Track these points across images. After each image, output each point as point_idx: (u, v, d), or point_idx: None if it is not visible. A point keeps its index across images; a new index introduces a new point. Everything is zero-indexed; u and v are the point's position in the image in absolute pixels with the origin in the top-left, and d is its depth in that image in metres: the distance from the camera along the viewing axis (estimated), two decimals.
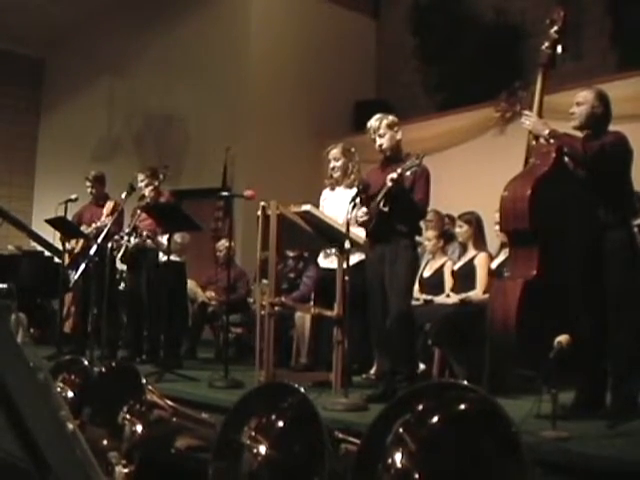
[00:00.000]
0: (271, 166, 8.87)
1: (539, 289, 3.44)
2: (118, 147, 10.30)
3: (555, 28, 3.81)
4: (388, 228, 4.23)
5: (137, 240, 6.01)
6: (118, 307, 6.59)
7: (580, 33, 7.82)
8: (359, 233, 4.55)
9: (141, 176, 6.19)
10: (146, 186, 6.14)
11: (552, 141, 3.63)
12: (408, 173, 4.12)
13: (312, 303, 5.71)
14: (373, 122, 4.44)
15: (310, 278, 6.37)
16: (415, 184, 4.26)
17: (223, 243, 7.19)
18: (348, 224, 3.97)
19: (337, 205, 5.05)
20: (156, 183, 6.06)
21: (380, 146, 4.41)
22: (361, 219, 4.28)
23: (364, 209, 4.25)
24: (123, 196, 6.05)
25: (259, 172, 8.66)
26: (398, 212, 4.19)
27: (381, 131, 4.36)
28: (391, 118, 4.45)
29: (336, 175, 5.20)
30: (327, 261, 5.24)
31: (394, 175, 4.08)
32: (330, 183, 5.31)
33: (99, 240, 5.48)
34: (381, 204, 4.16)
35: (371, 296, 4.42)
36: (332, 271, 4.84)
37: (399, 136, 4.42)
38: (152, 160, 8.35)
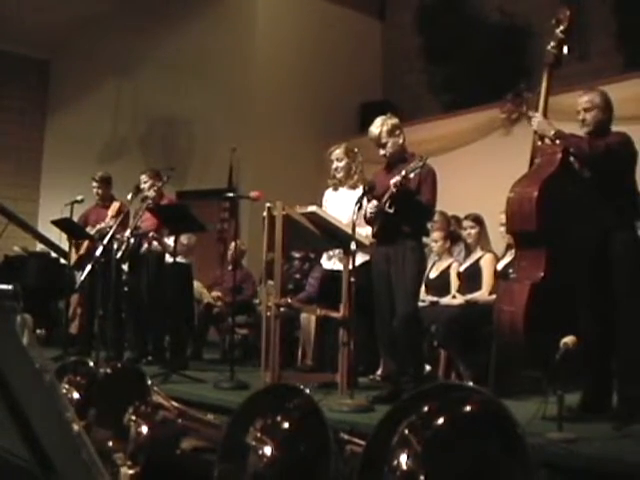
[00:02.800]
0: (277, 167, 8.88)
1: (546, 291, 3.44)
2: (124, 149, 10.32)
3: (561, 28, 3.79)
4: (394, 229, 4.23)
5: (139, 240, 6.06)
6: (124, 308, 6.60)
7: (586, 34, 7.79)
8: (364, 234, 4.56)
9: (144, 177, 6.21)
10: (149, 188, 6.14)
11: (558, 142, 3.63)
12: (412, 175, 4.12)
13: (318, 304, 5.57)
14: (373, 130, 4.40)
15: (316, 279, 6.38)
16: (422, 185, 4.24)
17: (232, 244, 7.09)
18: (354, 225, 3.97)
19: (340, 206, 5.04)
20: (159, 184, 6.04)
21: (384, 155, 4.42)
22: (370, 213, 4.28)
23: (374, 202, 4.25)
24: (129, 197, 6.10)
25: (265, 173, 8.67)
26: (404, 213, 4.18)
27: (383, 140, 4.34)
28: (391, 123, 4.39)
29: (339, 175, 5.18)
30: (330, 262, 5.23)
31: (397, 179, 4.08)
32: (333, 184, 5.29)
33: (105, 241, 5.49)
34: (386, 206, 4.16)
35: (377, 297, 4.41)
36: (335, 272, 4.86)
37: (401, 140, 4.39)
38: (158, 161, 8.36)
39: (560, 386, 3.07)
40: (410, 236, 4.28)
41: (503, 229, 4.71)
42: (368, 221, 4.41)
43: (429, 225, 5.02)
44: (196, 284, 7.14)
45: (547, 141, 3.71)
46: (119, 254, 5.85)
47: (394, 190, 4.10)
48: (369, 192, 4.23)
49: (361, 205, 4.12)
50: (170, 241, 5.86)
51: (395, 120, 4.45)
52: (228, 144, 8.84)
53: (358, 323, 4.21)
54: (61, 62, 11.49)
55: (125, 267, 6.45)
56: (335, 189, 5.29)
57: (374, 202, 4.24)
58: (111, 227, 5.80)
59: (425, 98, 9.70)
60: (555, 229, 3.53)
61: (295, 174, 8.90)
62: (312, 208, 4.47)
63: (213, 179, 9.00)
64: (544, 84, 3.79)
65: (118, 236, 5.89)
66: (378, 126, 4.37)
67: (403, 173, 4.07)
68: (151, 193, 6.10)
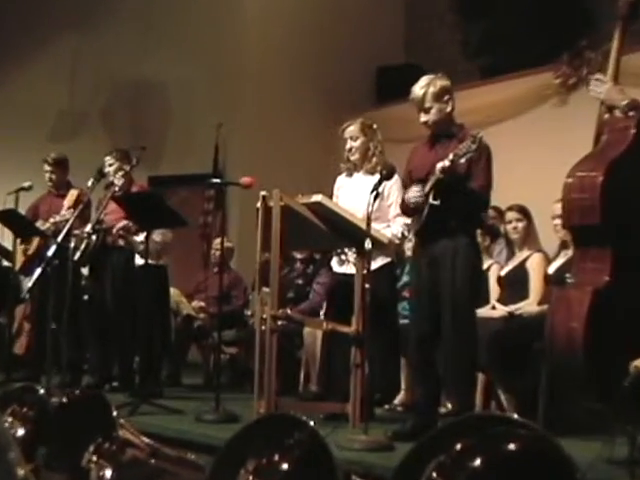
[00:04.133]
0: (274, 147, 8.88)
1: (612, 299, 3.42)
2: (83, 123, 10.31)
3: None
4: (441, 225, 4.25)
5: (102, 237, 6.07)
6: (83, 322, 6.55)
7: None
8: (392, 231, 4.73)
9: (109, 159, 6.22)
10: (115, 172, 6.15)
11: (631, 113, 3.56)
12: (462, 160, 4.11)
13: (324, 316, 5.79)
14: (417, 92, 4.40)
15: (322, 285, 6.43)
16: (473, 166, 4.23)
17: (217, 242, 7.23)
18: (369, 218, 4.00)
19: (355, 195, 5.10)
20: (127, 168, 6.02)
21: (425, 123, 4.42)
22: (415, 199, 4.29)
23: (418, 187, 4.28)
24: (89, 184, 6.00)
25: (259, 154, 8.71)
26: (452, 205, 4.21)
27: (427, 104, 4.36)
28: (440, 85, 4.40)
29: (354, 158, 5.21)
30: (342, 265, 5.25)
31: (445, 164, 4.09)
32: (347, 168, 5.33)
33: (59, 239, 5.42)
34: (430, 197, 4.18)
35: (416, 308, 4.48)
36: (349, 277, 4.88)
37: (450, 107, 4.41)
38: (125, 139, 8.38)
39: (630, 421, 3.06)
40: (461, 232, 4.29)
41: (557, 222, 4.69)
42: (407, 212, 4.49)
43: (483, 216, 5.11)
44: (173, 292, 7.14)
45: (617, 113, 3.64)
46: (77, 255, 5.84)
47: (440, 177, 4.12)
48: (387, 177, 4.27)
49: (378, 194, 4.14)
50: (141, 238, 5.90)
51: (446, 82, 4.45)
52: (213, 118, 8.80)
53: (374, 340, 4.24)
54: (2, 14, 11.07)
55: (85, 271, 6.47)
56: (349, 175, 5.34)
57: (414, 187, 4.29)
58: (67, 221, 5.73)
59: (458, 61, 9.66)
60: (624, 223, 3.51)
61: (296, 156, 8.94)
62: (317, 197, 4.48)
63: (194, 162, 9.00)
64: (616, 42, 3.73)
65: (76, 232, 5.88)
66: (423, 86, 4.39)
67: (451, 157, 4.08)
68: (117, 179, 6.11)
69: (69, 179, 6.89)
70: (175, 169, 9.18)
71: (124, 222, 6.07)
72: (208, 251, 8.10)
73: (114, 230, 6.12)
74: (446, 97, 4.38)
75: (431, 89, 4.35)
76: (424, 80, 4.41)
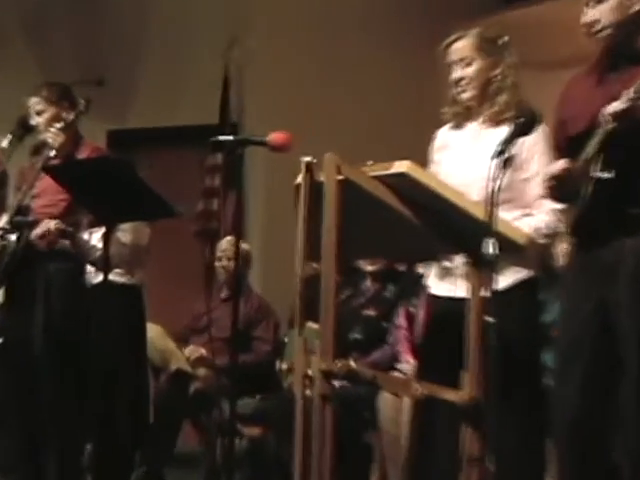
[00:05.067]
0: (322, 83, 8.17)
1: None
2: None
3: None
4: (615, 214, 3.95)
5: (26, 236, 5.59)
6: None
7: None
8: (518, 221, 4.26)
9: (37, 102, 5.70)
10: (48, 124, 5.64)
11: None
12: None
13: (414, 373, 5.30)
14: None
15: (410, 319, 6.16)
16: None
17: (227, 244, 7.01)
18: (493, 202, 3.57)
19: (468, 161, 4.63)
20: (70, 117, 5.59)
21: (589, 26, 4.01)
22: (553, 179, 4.00)
23: (559, 163, 4.00)
24: (4, 144, 5.73)
25: (297, 95, 8.03)
26: (636, 180, 3.88)
27: (590, 14, 4.04)
28: None
29: (466, 96, 4.68)
30: (445, 283, 4.69)
31: (617, 106, 3.75)
32: (453, 114, 4.79)
33: None
34: (596, 166, 3.83)
35: (568, 365, 4.16)
36: (456, 304, 4.35)
37: (637, 7, 4.02)
38: (68, 69, 8.05)
39: None
40: None
41: None
42: (555, 193, 4.16)
43: None
44: (153, 331, 6.60)
45: None
46: None
47: (613, 128, 3.77)
48: (525, 129, 3.78)
49: (508, 159, 3.65)
50: (96, 239, 5.50)
51: None
52: (219, 33, 8.15)
53: (504, 414, 3.79)
54: None
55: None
56: (457, 126, 4.83)
57: (559, 163, 4.04)
58: None
59: None
60: None
61: (365, 98, 8.20)
62: (401, 166, 3.93)
63: (187, 107, 8.44)
64: None
65: None
66: None
67: (632, 93, 3.72)
68: (52, 136, 5.60)
69: None
70: (154, 119, 8.48)
71: (63, 210, 5.62)
72: (211, 260, 7.32)
73: (49, 225, 5.51)
74: None
75: None
76: None
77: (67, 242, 5.60)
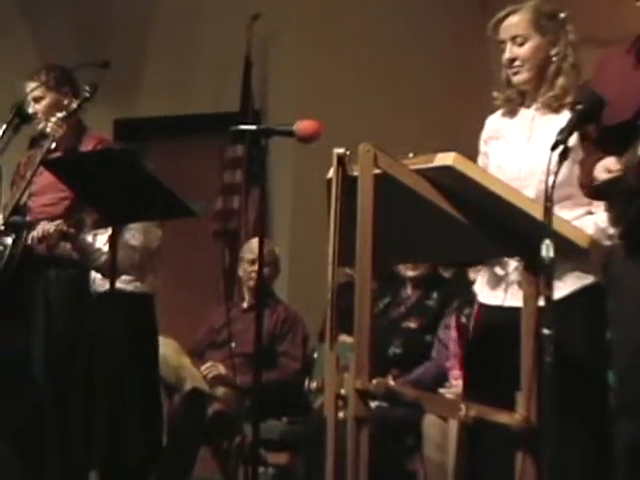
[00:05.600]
0: (357, 65, 8.08)
1: None
2: None
3: None
4: None
5: (23, 239, 5.69)
6: None
7: None
8: (579, 220, 4.20)
9: (34, 87, 5.74)
10: (47, 112, 5.67)
11: None
12: None
13: (463, 392, 5.13)
14: None
15: (457, 331, 6.09)
16: None
17: (251, 247, 6.89)
18: (549, 200, 3.55)
19: (523, 153, 4.61)
20: (72, 105, 5.59)
21: None
22: (609, 173, 3.90)
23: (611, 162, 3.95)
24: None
25: (329, 79, 7.98)
26: None
27: None
28: None
29: (520, 79, 4.64)
30: (496, 290, 4.64)
31: None
32: (505, 99, 4.73)
33: None
34: None
35: (625, 382, 4.09)
36: (509, 314, 4.35)
37: None
38: (70, 51, 8.07)
39: None
40: None
41: None
42: (597, 193, 4.18)
43: None
44: (166, 346, 6.63)
45: None
46: None
47: None
48: (588, 116, 3.80)
49: (567, 150, 3.61)
50: (102, 242, 5.66)
51: None
52: (240, 9, 8.07)
53: (565, 440, 3.67)
54: None
55: None
56: (510, 114, 4.78)
57: (610, 164, 3.94)
58: None
59: None
60: None
61: (404, 82, 8.20)
62: (447, 158, 3.93)
63: (203, 93, 8.54)
64: None
65: None
66: None
67: None
68: (52, 126, 5.63)
69: None
70: (166, 106, 8.57)
71: (65, 209, 5.74)
72: (232, 265, 7.49)
73: (49, 227, 5.55)
74: None
75: None
76: None
77: (69, 245, 5.62)
